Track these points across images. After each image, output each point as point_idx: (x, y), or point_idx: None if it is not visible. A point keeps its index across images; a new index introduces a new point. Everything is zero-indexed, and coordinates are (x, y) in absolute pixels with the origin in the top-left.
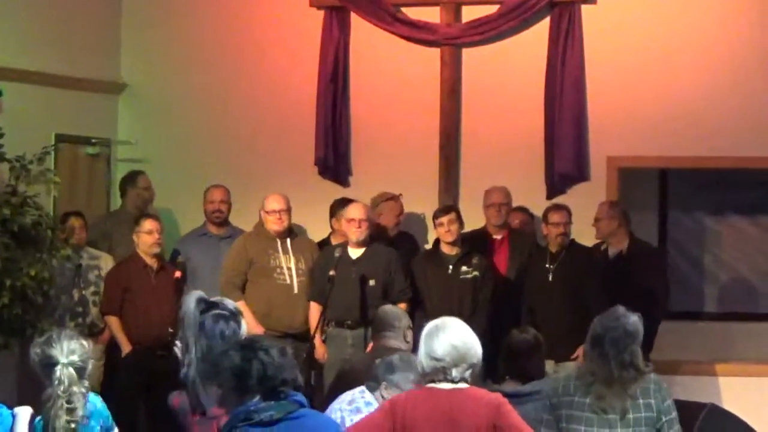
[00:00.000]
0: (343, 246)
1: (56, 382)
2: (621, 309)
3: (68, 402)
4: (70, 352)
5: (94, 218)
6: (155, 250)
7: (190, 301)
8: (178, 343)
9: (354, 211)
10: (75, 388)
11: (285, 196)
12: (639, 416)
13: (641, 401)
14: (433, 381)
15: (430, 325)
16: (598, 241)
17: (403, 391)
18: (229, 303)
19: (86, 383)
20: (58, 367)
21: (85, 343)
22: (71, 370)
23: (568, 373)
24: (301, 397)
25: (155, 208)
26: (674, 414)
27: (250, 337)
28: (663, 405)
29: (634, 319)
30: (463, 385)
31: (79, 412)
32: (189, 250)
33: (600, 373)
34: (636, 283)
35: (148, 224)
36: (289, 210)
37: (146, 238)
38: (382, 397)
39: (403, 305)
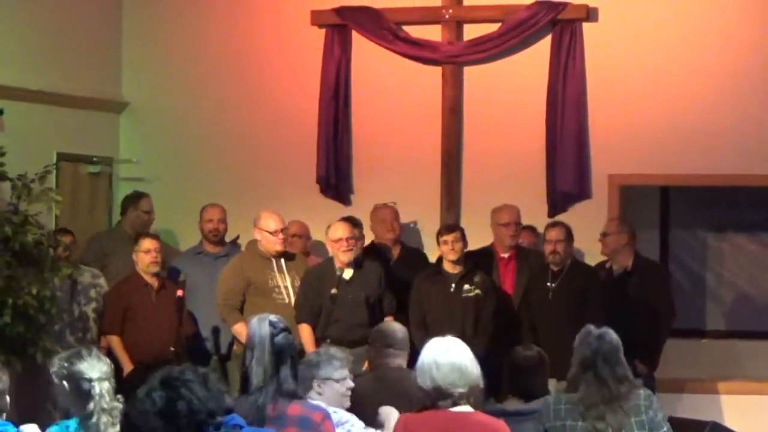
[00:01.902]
0: (333, 265)
1: (97, 397)
2: (592, 327)
3: (111, 416)
4: (99, 369)
5: (91, 236)
6: (153, 270)
7: (262, 326)
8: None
9: (339, 231)
10: (115, 403)
11: (280, 214)
12: None
13: (633, 419)
14: (433, 402)
15: (428, 345)
16: (603, 257)
17: (336, 380)
18: (279, 319)
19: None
20: (95, 383)
21: (108, 360)
22: (107, 384)
23: (556, 396)
24: (237, 419)
25: (154, 228)
26: (666, 427)
27: (170, 373)
28: (655, 420)
29: (612, 332)
30: (467, 408)
31: (117, 427)
32: (185, 268)
33: (599, 394)
34: (642, 301)
35: (146, 243)
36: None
37: (144, 257)
38: (319, 394)
39: (390, 317)
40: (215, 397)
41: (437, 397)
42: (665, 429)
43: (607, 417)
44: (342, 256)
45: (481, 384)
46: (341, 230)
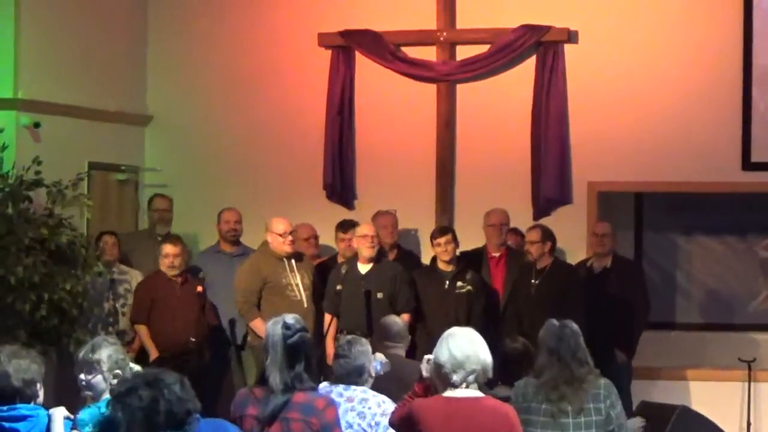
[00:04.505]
0: (351, 262)
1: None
2: (555, 320)
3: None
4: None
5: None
6: (172, 273)
7: (276, 329)
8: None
9: (366, 229)
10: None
11: (287, 219)
12: (590, 419)
13: (592, 406)
14: (442, 386)
15: (443, 335)
16: (584, 256)
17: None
18: (296, 320)
19: None
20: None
21: (120, 347)
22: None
23: (526, 380)
24: (197, 415)
25: (176, 230)
26: (623, 420)
27: (154, 374)
28: (613, 411)
29: (573, 323)
30: (476, 393)
31: None
32: (205, 265)
33: (561, 375)
34: (621, 295)
35: (165, 249)
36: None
37: (164, 261)
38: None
39: (407, 316)
40: (192, 399)
41: (440, 380)
42: (622, 422)
43: (568, 397)
44: (366, 252)
45: (489, 371)
46: (367, 228)
